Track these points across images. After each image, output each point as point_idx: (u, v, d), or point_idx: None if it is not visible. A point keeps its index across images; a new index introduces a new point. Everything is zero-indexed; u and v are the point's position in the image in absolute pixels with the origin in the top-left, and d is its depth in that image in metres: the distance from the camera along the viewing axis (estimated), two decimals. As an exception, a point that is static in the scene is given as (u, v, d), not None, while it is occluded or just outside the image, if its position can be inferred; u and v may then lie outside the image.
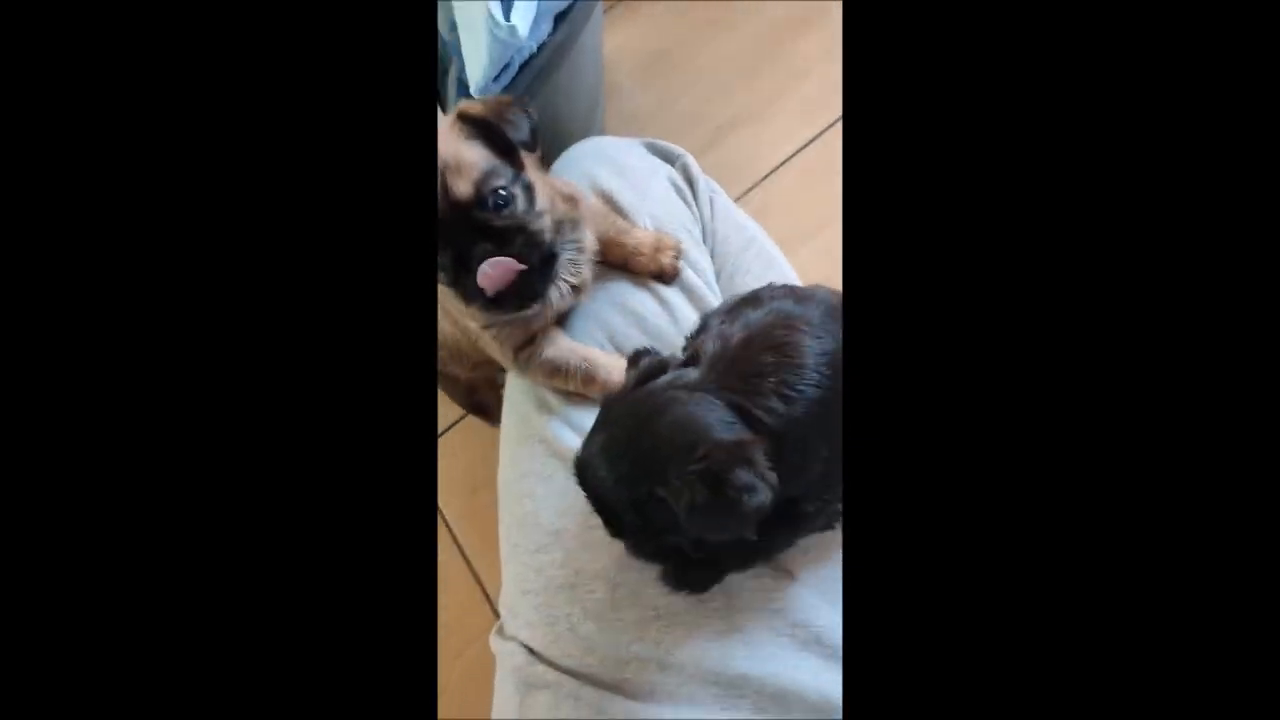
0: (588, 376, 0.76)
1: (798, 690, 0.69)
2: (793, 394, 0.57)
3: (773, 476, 0.54)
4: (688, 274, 0.84)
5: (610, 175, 0.88)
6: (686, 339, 0.71)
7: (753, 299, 0.68)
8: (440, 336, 0.89)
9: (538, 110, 0.72)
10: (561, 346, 0.78)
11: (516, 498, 0.80)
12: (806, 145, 1.38)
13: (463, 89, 1.00)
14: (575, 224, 0.76)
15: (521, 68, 0.91)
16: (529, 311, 0.73)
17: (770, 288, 0.71)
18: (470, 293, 0.66)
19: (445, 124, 0.70)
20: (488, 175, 0.65)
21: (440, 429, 1.32)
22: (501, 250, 0.65)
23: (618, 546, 0.73)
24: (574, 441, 0.75)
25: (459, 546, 1.27)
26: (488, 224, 0.65)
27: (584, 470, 0.62)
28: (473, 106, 0.70)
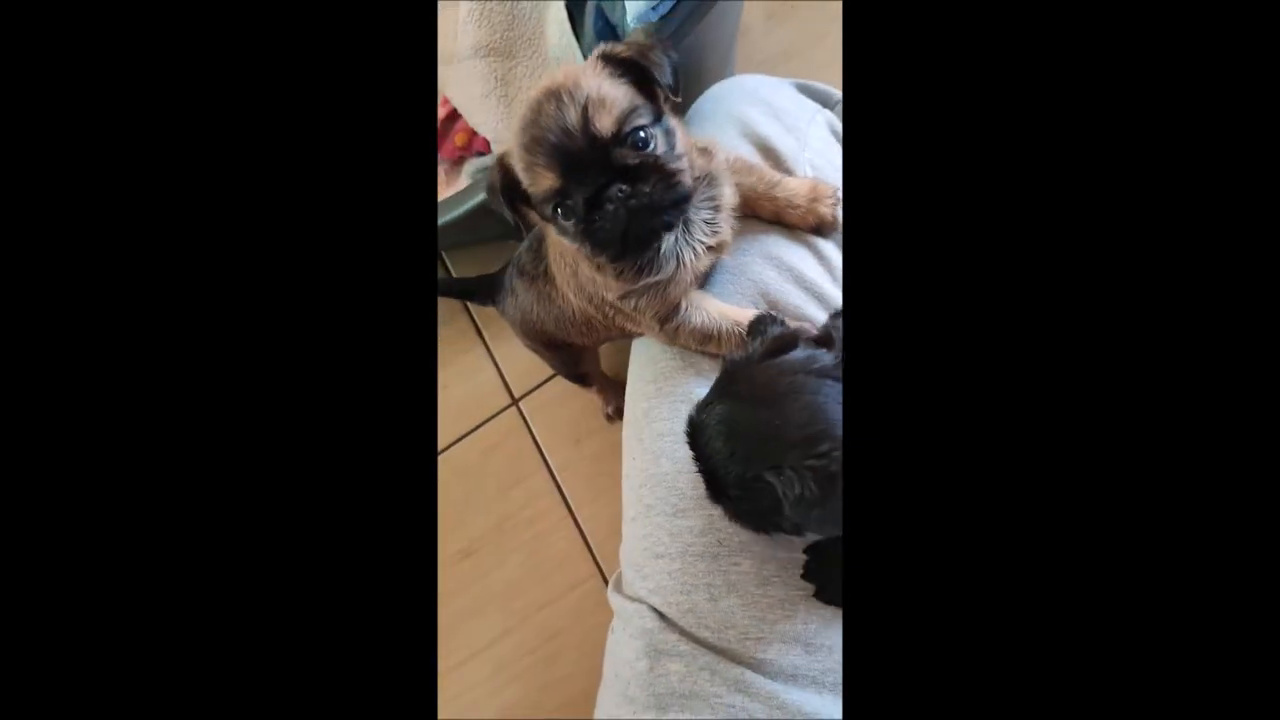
0: (742, 340, 0.72)
1: None
2: None
3: None
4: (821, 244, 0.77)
5: (764, 118, 0.80)
6: (830, 316, 0.66)
7: None
8: (561, 312, 0.85)
9: (681, 49, 0.67)
10: (710, 311, 0.73)
11: (653, 456, 0.76)
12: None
13: (601, 17, 0.94)
14: (712, 179, 0.71)
15: (678, 2, 0.84)
16: (662, 274, 0.69)
17: None
18: (599, 237, 0.64)
19: (589, 62, 0.67)
20: (630, 113, 0.63)
21: (544, 379, 1.30)
22: (635, 188, 0.62)
23: (768, 521, 0.70)
24: (722, 407, 0.71)
25: (562, 495, 1.27)
26: (625, 162, 0.62)
27: (697, 433, 0.60)
28: (616, 48, 0.67)
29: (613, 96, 0.63)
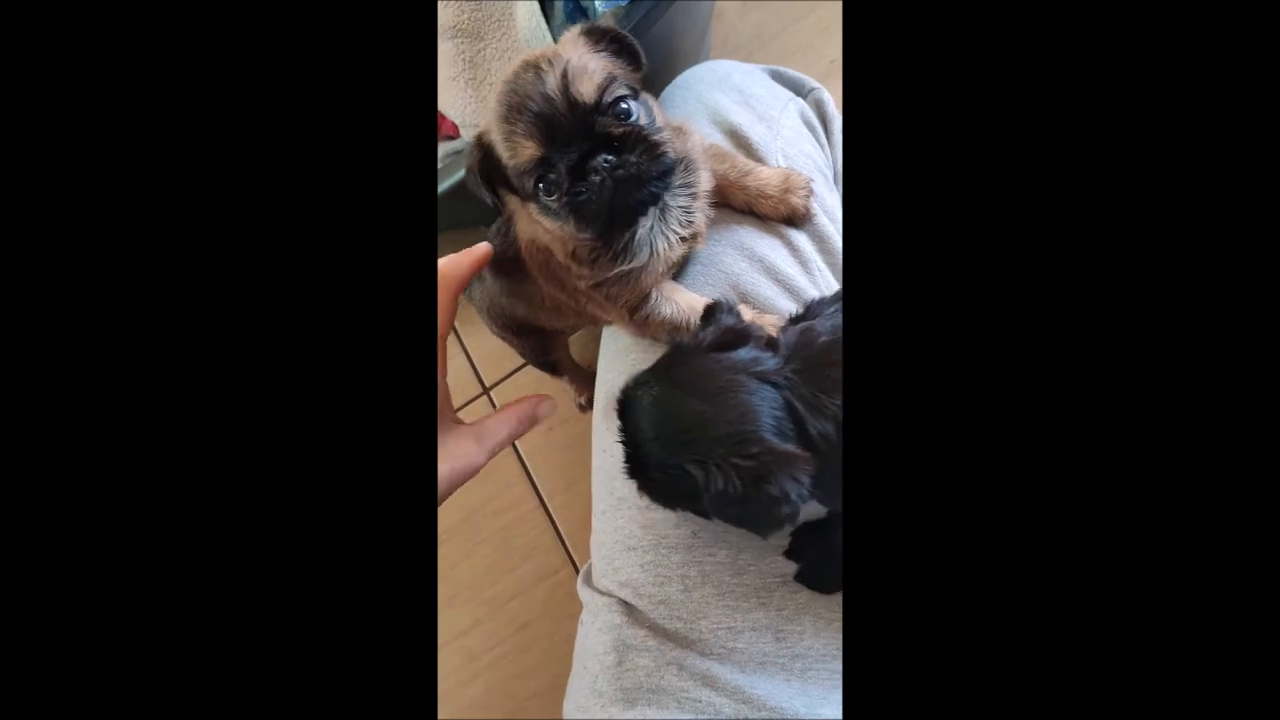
0: None
1: None
2: None
3: (807, 496, 0.53)
4: (820, 220, 0.76)
5: (736, 105, 0.79)
6: (788, 319, 0.67)
7: None
8: (531, 298, 0.84)
9: (654, 33, 0.66)
10: (680, 302, 0.72)
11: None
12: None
13: (571, 2, 0.92)
14: (689, 164, 0.69)
15: (649, -18, 0.83)
16: (635, 262, 0.68)
17: None
18: (584, 211, 0.62)
19: (569, 35, 0.66)
20: (611, 82, 0.61)
21: (514, 368, 1.29)
22: (621, 158, 0.60)
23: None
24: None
25: (533, 484, 1.26)
26: (608, 131, 0.61)
27: (626, 407, 0.59)
28: (598, 24, 0.66)
29: (593, 65, 0.61)
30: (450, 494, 0.56)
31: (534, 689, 1.19)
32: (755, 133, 0.77)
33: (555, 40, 0.83)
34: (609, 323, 0.80)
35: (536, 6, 0.89)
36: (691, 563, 0.70)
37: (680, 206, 0.69)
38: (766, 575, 0.68)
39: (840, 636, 0.67)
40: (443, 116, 1.03)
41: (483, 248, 0.63)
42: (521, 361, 1.24)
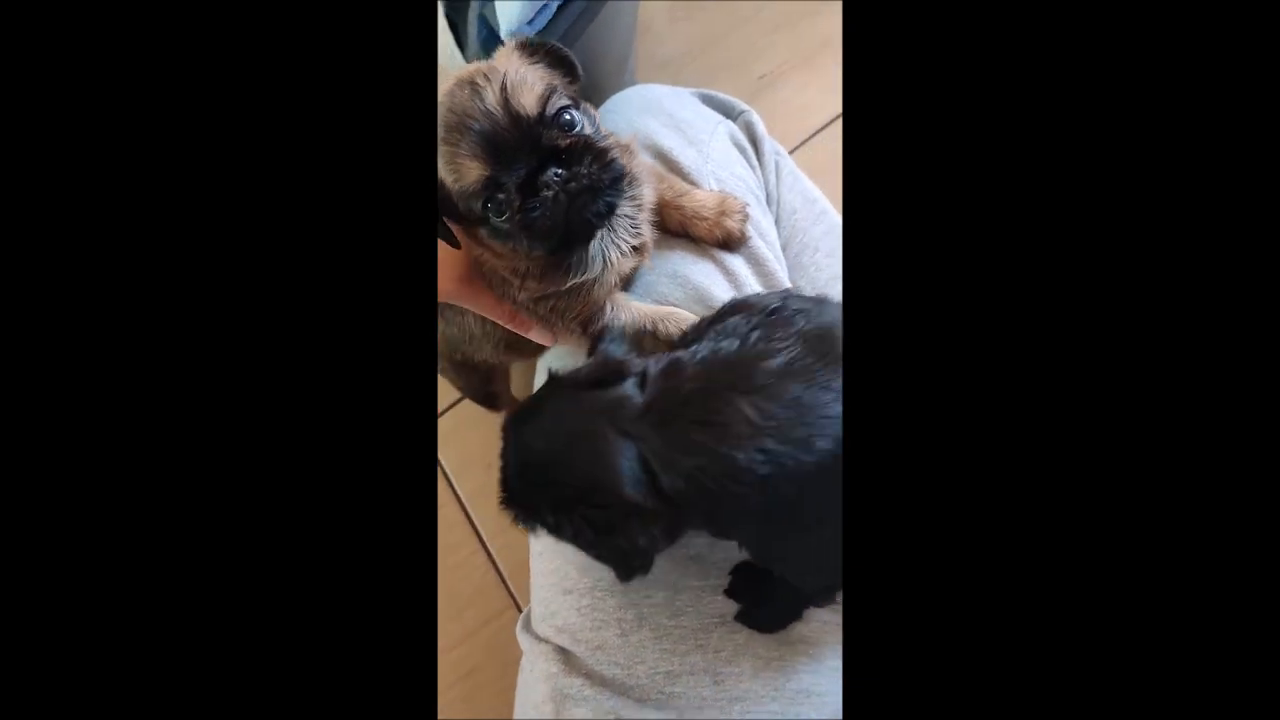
0: (669, 337, 0.68)
1: None
2: (710, 485, 0.51)
3: (657, 547, 0.53)
4: (755, 243, 0.74)
5: (665, 130, 0.78)
6: (682, 334, 0.64)
7: (745, 310, 0.59)
8: (470, 326, 0.80)
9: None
10: (635, 312, 0.69)
11: None
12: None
13: (485, 26, 0.89)
14: (633, 178, 0.67)
15: (560, 9, 0.81)
16: (589, 274, 0.65)
17: (785, 297, 0.61)
18: (538, 228, 0.58)
19: (504, 50, 0.63)
20: (552, 92, 0.59)
21: (451, 403, 1.24)
22: (571, 171, 0.57)
23: (680, 549, 0.66)
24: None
25: (473, 525, 1.21)
26: (555, 144, 0.58)
27: (509, 432, 0.58)
28: (533, 38, 0.64)
29: (532, 77, 0.59)
30: None
31: (481, 740, 1.13)
32: (686, 157, 0.76)
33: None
34: (563, 342, 0.77)
35: (449, 35, 0.86)
36: (628, 605, 0.66)
37: (627, 217, 0.66)
38: (705, 616, 0.66)
39: (779, 675, 0.64)
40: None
41: None
42: (457, 395, 1.20)
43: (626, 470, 0.51)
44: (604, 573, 0.68)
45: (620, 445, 0.52)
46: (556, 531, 0.55)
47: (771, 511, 0.52)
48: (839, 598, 0.65)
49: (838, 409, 0.51)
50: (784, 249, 0.79)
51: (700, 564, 0.67)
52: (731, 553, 0.65)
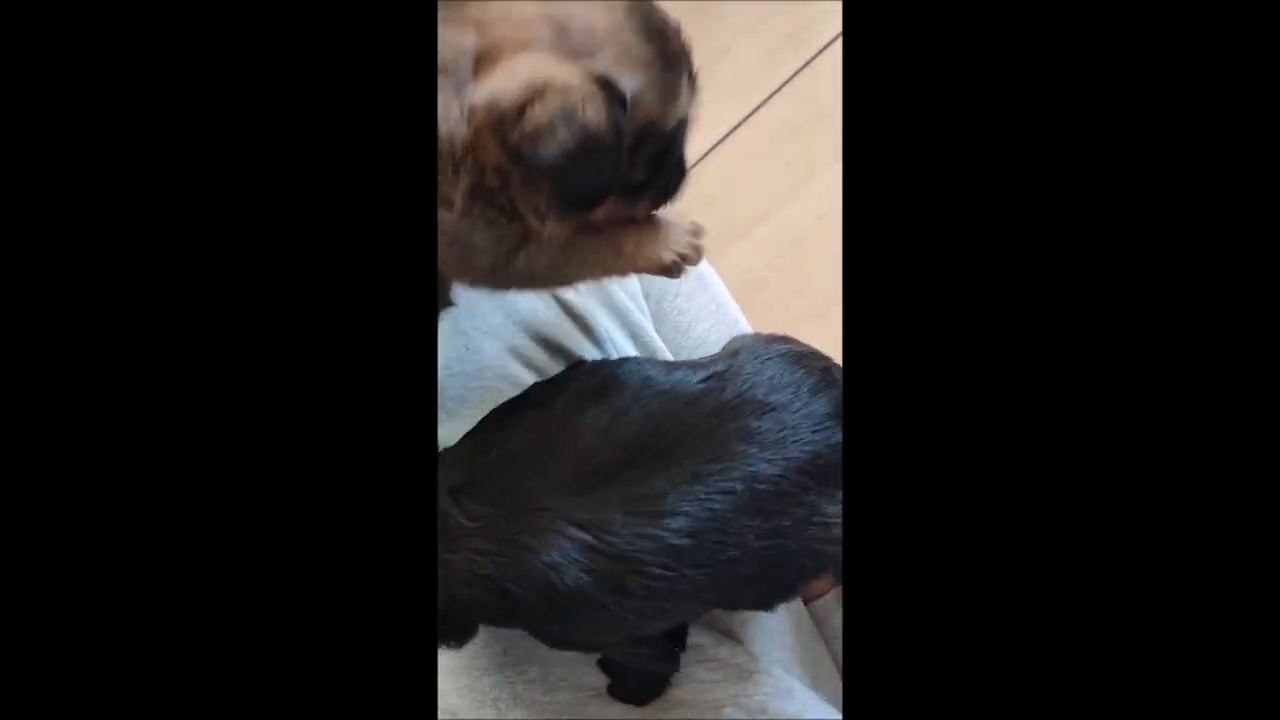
0: None
1: None
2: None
3: None
4: (617, 295, 0.74)
5: None
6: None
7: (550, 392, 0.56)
8: None
9: None
10: None
11: None
12: (730, 133, 1.29)
13: None
14: None
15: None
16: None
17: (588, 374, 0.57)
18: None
19: None
20: None
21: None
22: None
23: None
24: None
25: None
26: None
27: None
28: None
29: None
30: None
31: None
32: None
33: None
34: None
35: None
36: (504, 684, 0.65)
37: None
38: (579, 689, 0.65)
39: None
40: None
41: None
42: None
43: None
44: (478, 649, 0.66)
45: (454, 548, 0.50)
46: None
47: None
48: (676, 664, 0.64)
49: None
50: (646, 295, 0.79)
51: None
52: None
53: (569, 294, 0.69)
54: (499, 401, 0.58)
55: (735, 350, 0.58)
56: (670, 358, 0.74)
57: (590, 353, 0.70)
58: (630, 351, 0.72)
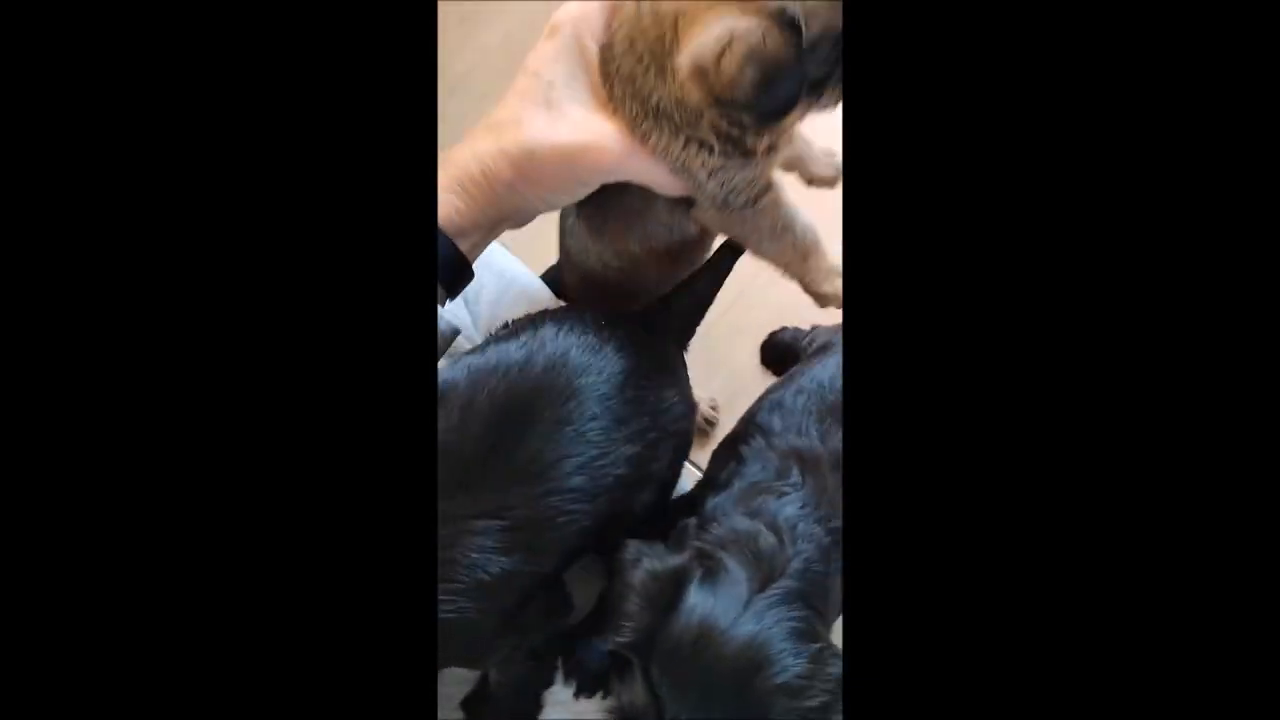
0: (813, 246, 0.59)
1: None
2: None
3: None
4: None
5: None
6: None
7: None
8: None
9: None
10: (790, 204, 0.59)
11: None
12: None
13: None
14: None
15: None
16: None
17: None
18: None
19: None
20: None
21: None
22: None
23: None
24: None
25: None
26: None
27: None
28: None
29: None
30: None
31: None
32: None
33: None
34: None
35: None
36: None
37: None
38: None
39: None
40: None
41: None
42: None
43: None
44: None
45: None
46: None
47: None
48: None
49: None
50: None
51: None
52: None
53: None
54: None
55: (537, 319, 0.59)
56: (470, 322, 0.75)
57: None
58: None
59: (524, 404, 0.51)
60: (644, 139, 0.51)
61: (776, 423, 0.60)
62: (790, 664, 0.48)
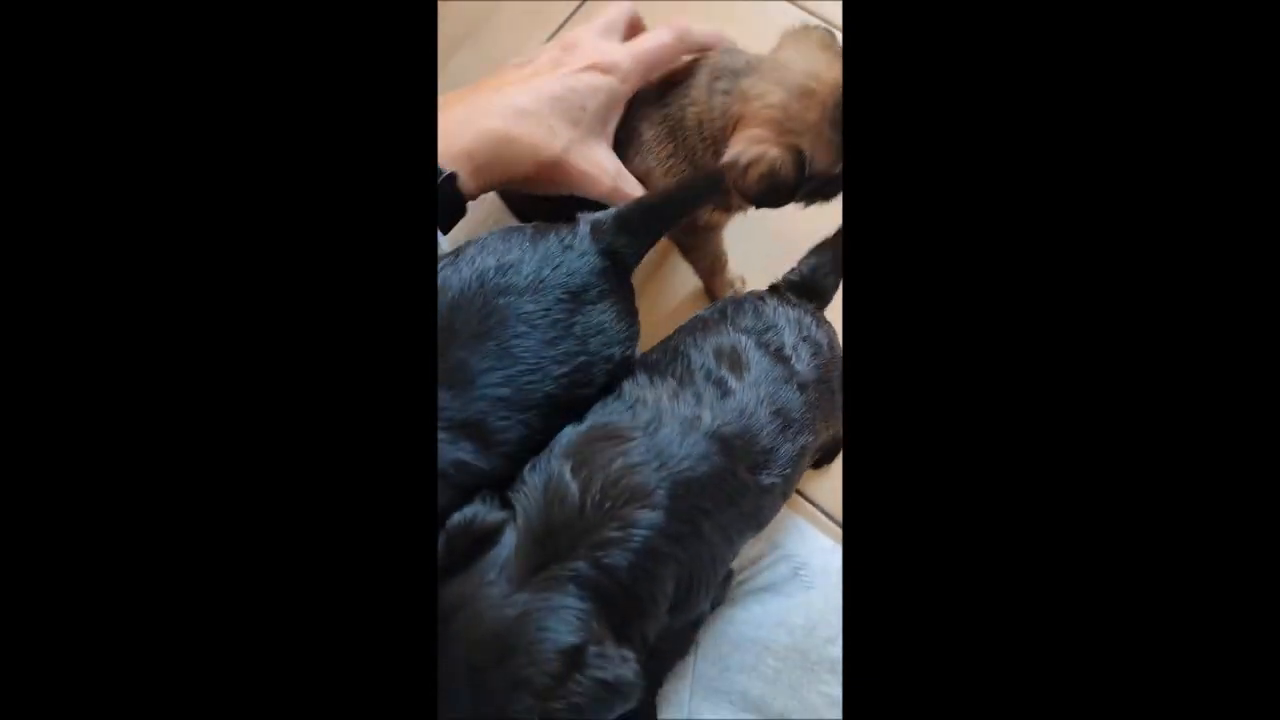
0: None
1: None
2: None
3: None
4: None
5: None
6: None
7: None
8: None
9: None
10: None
11: None
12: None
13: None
14: None
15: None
16: None
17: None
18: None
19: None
20: None
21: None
22: None
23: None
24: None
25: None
26: None
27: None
28: None
29: None
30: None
31: None
32: None
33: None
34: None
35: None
36: None
37: None
38: None
39: None
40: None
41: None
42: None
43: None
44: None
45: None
46: None
47: None
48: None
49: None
50: None
51: None
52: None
53: None
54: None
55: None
56: None
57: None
58: None
59: (445, 321, 0.51)
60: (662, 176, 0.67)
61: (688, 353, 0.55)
62: (540, 654, 0.42)
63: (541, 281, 0.53)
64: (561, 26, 0.95)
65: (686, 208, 0.62)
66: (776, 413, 0.52)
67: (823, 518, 0.74)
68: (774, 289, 0.64)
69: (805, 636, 0.63)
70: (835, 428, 0.59)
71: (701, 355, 0.55)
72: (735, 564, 0.62)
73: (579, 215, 0.57)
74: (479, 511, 0.47)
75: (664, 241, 0.75)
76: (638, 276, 0.60)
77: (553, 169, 0.61)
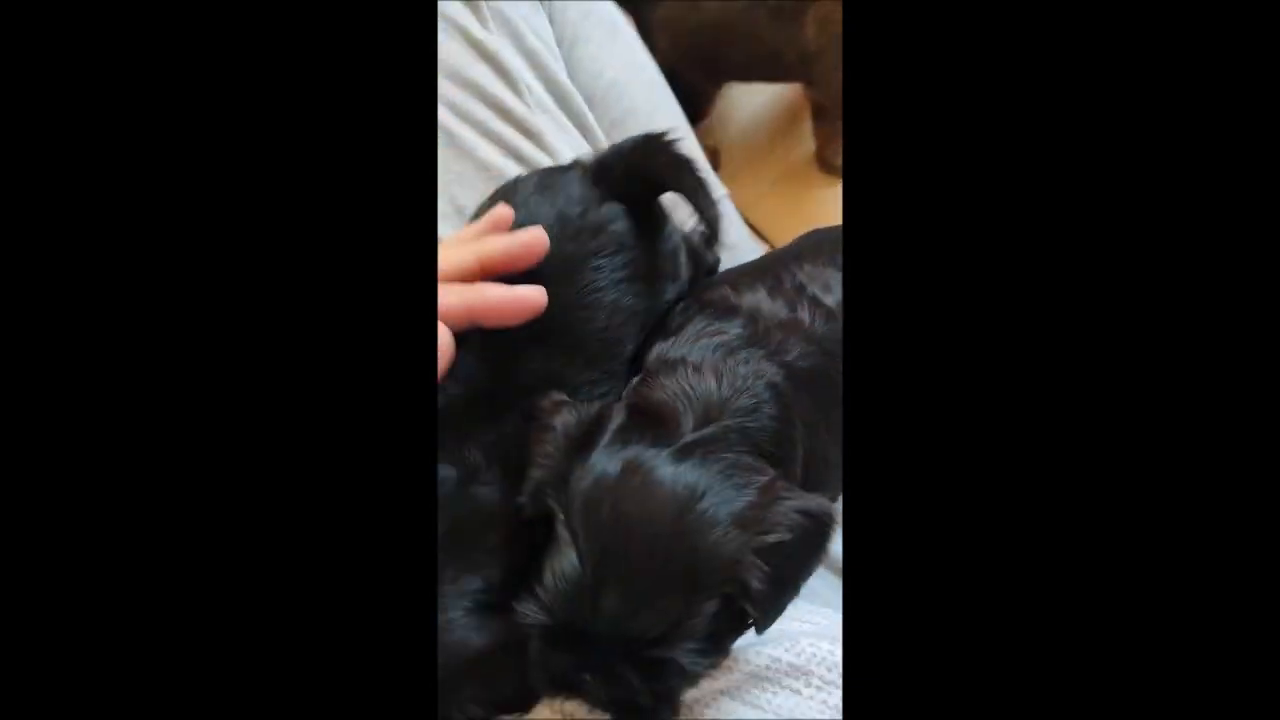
0: None
1: None
2: None
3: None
4: (528, 39, 0.74)
5: None
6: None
7: None
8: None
9: None
10: None
11: None
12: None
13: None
14: None
15: None
16: None
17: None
18: None
19: None
20: None
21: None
22: None
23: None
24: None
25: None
26: None
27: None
28: None
29: None
30: None
31: None
32: None
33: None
34: None
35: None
36: None
37: None
38: None
39: None
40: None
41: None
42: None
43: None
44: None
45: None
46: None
47: None
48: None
49: None
50: (559, 41, 0.78)
51: None
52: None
53: (481, 34, 0.70)
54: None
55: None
56: (582, 103, 0.76)
57: (504, 95, 0.70)
58: (543, 96, 0.73)
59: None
60: None
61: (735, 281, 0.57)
62: (732, 495, 0.42)
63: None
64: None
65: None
66: None
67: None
68: None
69: None
70: None
71: (789, 275, 0.56)
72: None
73: None
74: (580, 410, 0.47)
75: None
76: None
77: None
